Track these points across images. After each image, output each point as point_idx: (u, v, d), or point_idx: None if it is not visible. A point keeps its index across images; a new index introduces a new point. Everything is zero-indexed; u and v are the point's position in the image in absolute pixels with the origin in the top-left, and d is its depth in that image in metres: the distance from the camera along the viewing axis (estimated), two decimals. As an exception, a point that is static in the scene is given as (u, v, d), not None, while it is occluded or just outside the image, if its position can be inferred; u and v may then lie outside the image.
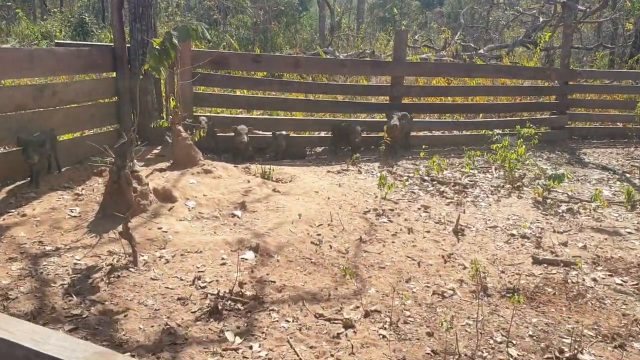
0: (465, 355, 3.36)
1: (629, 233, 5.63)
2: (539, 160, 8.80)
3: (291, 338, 3.45)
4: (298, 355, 3.27)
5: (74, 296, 3.74)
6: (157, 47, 4.15)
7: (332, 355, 3.29)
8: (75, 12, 20.25)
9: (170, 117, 6.75)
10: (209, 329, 3.50)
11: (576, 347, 3.45)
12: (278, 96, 9.62)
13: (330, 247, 4.86)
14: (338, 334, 3.54)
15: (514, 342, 3.53)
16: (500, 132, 9.15)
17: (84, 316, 3.51)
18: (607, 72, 13.26)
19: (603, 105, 11.99)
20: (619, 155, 9.81)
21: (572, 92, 10.90)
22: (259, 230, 5.00)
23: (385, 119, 8.46)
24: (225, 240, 4.69)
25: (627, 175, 8.18)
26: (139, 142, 7.34)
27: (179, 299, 3.82)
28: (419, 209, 6.09)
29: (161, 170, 6.30)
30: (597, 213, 6.23)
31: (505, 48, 17.01)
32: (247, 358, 3.23)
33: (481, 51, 16.24)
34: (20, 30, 18.76)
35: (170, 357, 3.18)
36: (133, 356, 3.15)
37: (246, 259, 4.46)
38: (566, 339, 3.59)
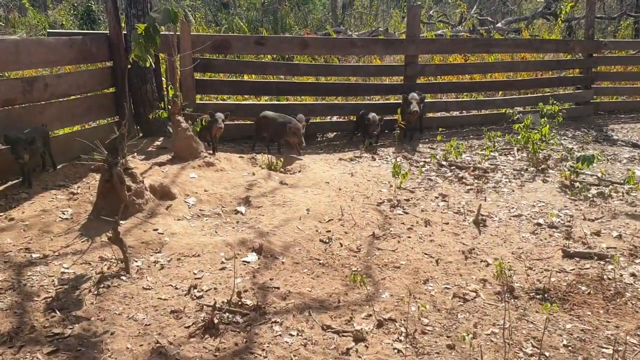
0: (492, 371, 2.97)
1: (668, 218, 5.15)
2: (564, 139, 8.29)
3: (295, 356, 3.09)
4: (302, 377, 2.91)
5: (57, 312, 3.41)
6: (141, 33, 3.75)
7: (340, 376, 2.92)
8: (83, 0, 19.90)
9: (170, 106, 6.38)
10: (204, 347, 3.14)
11: (618, 358, 3.04)
12: (285, 80, 9.19)
13: (341, 245, 4.47)
14: (348, 349, 3.16)
15: (547, 354, 3.12)
16: (522, 110, 8.64)
17: (65, 336, 3.17)
18: (634, 42, 12.54)
19: (630, 78, 11.34)
20: (650, 130, 9.24)
21: (596, 64, 10.29)
22: (264, 228, 4.63)
23: (399, 101, 7.99)
24: (225, 242, 4.33)
25: (661, 152, 7.64)
26: (140, 134, 7.05)
27: (172, 311, 3.47)
28: (436, 197, 5.66)
29: (161, 164, 5.95)
30: (631, 197, 5.74)
31: (524, 21, 16.30)
32: (245, 381, 2.88)
33: (499, 25, 15.58)
34: (27, 20, 18.46)
35: (158, 382, 2.84)
36: (117, 383, 2.81)
37: (248, 262, 4.10)
38: (606, 348, 3.17)
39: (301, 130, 6.81)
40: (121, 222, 4.30)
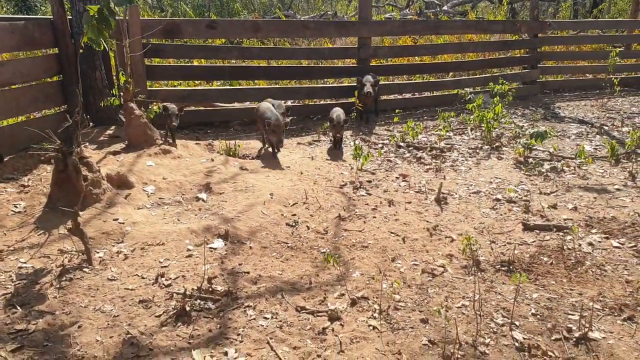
0: (466, 343, 3.02)
1: (618, 190, 5.37)
2: (514, 117, 8.50)
3: (271, 338, 3.06)
4: (280, 359, 2.88)
5: (19, 307, 3.25)
6: (94, 15, 3.58)
7: (318, 356, 2.91)
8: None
9: (121, 93, 6.17)
10: (177, 335, 3.07)
11: (584, 323, 3.15)
12: (238, 64, 9.04)
13: (308, 228, 4.45)
14: (324, 328, 3.15)
15: (517, 323, 3.20)
16: (472, 90, 8.81)
17: (30, 331, 3.04)
18: (577, 23, 12.97)
19: (574, 57, 11.73)
20: (594, 107, 9.59)
21: (542, 44, 10.58)
22: (228, 214, 4.55)
23: (354, 84, 8.00)
24: (190, 229, 4.24)
25: (606, 127, 7.94)
26: (90, 124, 6.79)
27: (141, 301, 3.37)
28: (397, 178, 5.71)
29: (115, 153, 5.75)
30: (582, 170, 5.96)
31: (469, 3, 16.59)
32: (223, 367, 2.83)
33: (445, 8, 15.81)
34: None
35: (133, 373, 2.76)
36: (89, 376, 2.71)
37: (215, 249, 4.02)
38: (572, 315, 3.28)
39: (282, 127, 6.02)
40: (80, 212, 4.13)
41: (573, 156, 6.33)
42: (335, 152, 6.64)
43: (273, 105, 6.54)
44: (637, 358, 2.89)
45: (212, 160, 5.83)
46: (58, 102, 6.58)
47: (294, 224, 4.48)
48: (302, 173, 5.66)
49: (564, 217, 4.73)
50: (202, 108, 7.77)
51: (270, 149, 6.39)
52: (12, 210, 4.47)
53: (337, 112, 6.64)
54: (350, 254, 4.07)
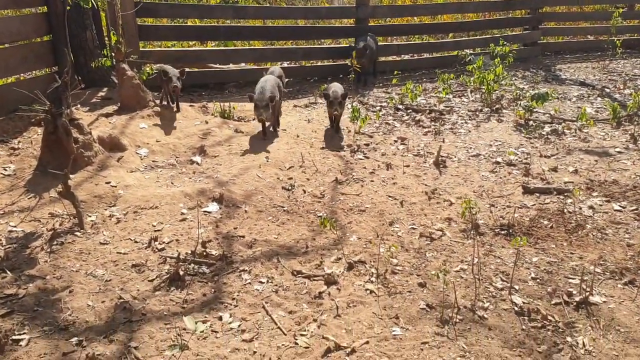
0: (465, 307, 2.97)
1: (619, 152, 5.28)
2: (515, 79, 8.34)
3: (267, 303, 3.00)
4: (276, 324, 2.83)
5: (8, 272, 3.18)
6: (80, -32, 3.41)
7: (315, 320, 2.86)
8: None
9: (113, 54, 6.00)
10: (170, 299, 3.01)
11: (585, 287, 3.10)
12: (233, 24, 8.81)
13: (304, 191, 4.36)
14: (320, 293, 3.10)
15: (517, 287, 3.15)
16: (472, 52, 8.63)
17: (20, 296, 2.98)
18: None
19: (575, 18, 11.47)
20: (595, 69, 9.43)
21: (543, 5, 10.33)
22: (222, 177, 4.46)
23: (352, 45, 7.81)
24: (184, 192, 4.15)
25: (607, 90, 7.80)
26: (82, 85, 6.63)
27: (133, 265, 3.30)
28: (395, 141, 5.61)
29: (107, 115, 5.62)
30: (583, 133, 5.86)
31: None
32: (217, 332, 2.77)
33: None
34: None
35: (125, 338, 2.70)
36: (81, 341, 2.65)
37: (209, 212, 3.94)
38: (572, 278, 3.23)
39: (268, 104, 5.19)
40: (71, 175, 4.04)
41: (574, 119, 6.22)
42: (332, 136, 5.70)
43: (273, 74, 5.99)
44: (639, 322, 2.85)
45: (207, 122, 5.71)
46: (48, 62, 6.40)
47: (290, 188, 4.39)
48: (298, 136, 5.55)
49: (564, 180, 4.65)
50: (196, 69, 7.58)
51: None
52: (1, 173, 4.37)
53: (334, 88, 5.70)
54: (347, 217, 3.99)
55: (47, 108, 4.26)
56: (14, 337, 2.66)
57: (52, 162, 4.30)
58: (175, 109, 5.89)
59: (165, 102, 6.05)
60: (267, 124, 5.47)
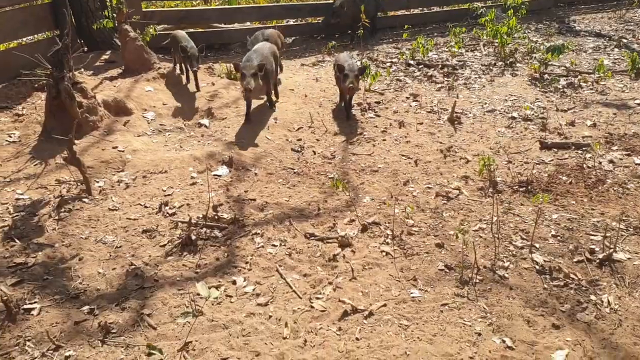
0: (484, 267, 2.89)
1: (639, 105, 5.10)
2: (528, 32, 8.06)
3: (280, 266, 2.94)
4: (291, 287, 2.77)
5: (17, 240, 3.13)
6: None
7: (330, 283, 2.79)
8: None
9: (115, 15, 5.83)
10: (183, 265, 2.95)
11: (608, 244, 3.00)
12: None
13: (314, 152, 4.26)
14: (334, 255, 3.02)
15: (537, 245, 3.06)
16: (484, 4, 8.34)
17: (29, 265, 2.93)
18: None
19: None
20: (611, 19, 9.09)
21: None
22: (231, 140, 4.35)
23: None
24: (193, 156, 4.06)
25: (624, 40, 7.53)
26: (84, 48, 6.48)
27: (144, 231, 3.24)
28: (407, 98, 5.45)
29: (112, 78, 5.49)
30: (601, 85, 5.66)
31: None
32: (231, 296, 2.72)
33: None
34: None
35: (138, 305, 2.65)
36: (92, 309, 2.61)
37: (219, 176, 3.86)
38: (594, 235, 3.13)
39: (257, 73, 4.48)
40: (76, 141, 3.95)
41: (590, 71, 6.01)
42: (345, 122, 4.85)
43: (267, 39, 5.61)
44: (664, 279, 2.76)
45: (213, 84, 5.57)
46: (49, 25, 6.23)
47: (299, 149, 4.29)
48: (306, 96, 5.40)
49: (583, 134, 4.51)
50: (200, 30, 7.39)
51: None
52: (6, 140, 4.28)
53: (348, 60, 4.77)
54: (360, 178, 3.89)
55: (49, 72, 4.15)
56: (25, 307, 2.62)
57: (57, 128, 4.20)
58: (196, 90, 5.39)
59: (180, 73, 5.70)
60: (264, 98, 5.04)
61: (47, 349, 2.38)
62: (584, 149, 4.23)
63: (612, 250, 2.94)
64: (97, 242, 3.13)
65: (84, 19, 6.41)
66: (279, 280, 2.84)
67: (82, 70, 5.77)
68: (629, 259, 2.91)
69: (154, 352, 1.81)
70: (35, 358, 2.34)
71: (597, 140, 4.33)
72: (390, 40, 7.77)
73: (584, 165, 3.97)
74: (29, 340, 2.43)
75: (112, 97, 4.81)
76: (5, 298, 2.55)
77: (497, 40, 6.65)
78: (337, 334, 2.45)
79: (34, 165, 3.98)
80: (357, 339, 2.42)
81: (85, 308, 2.62)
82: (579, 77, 5.92)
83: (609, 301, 2.61)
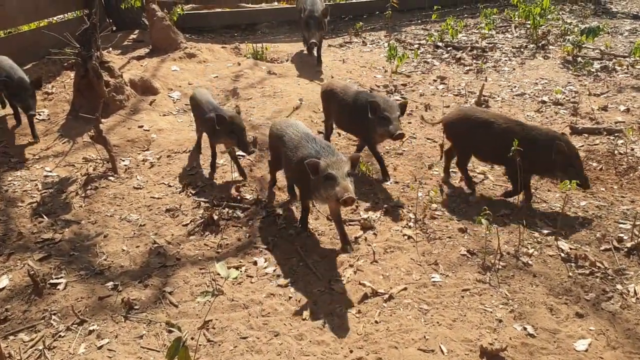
0: (508, 253, 2.85)
1: (676, 90, 4.93)
2: (562, 13, 7.85)
3: (301, 248, 2.94)
4: (311, 269, 2.77)
5: (45, 217, 3.20)
6: None
7: (351, 266, 2.79)
8: None
9: (142, -6, 5.85)
10: (205, 244, 2.98)
11: (637, 233, 2.93)
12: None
13: (339, 134, 4.23)
14: (356, 238, 3.01)
15: (563, 232, 3.00)
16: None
17: (56, 241, 2.99)
18: None
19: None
20: (651, 1, 8.79)
21: None
22: (256, 121, 4.35)
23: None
24: (217, 136, 4.06)
25: (663, 23, 7.28)
26: (113, 28, 6.52)
27: (167, 210, 3.27)
28: (434, 80, 5.36)
29: (139, 58, 5.53)
30: (636, 69, 5.48)
31: None
32: (252, 277, 2.74)
33: None
34: None
35: (160, 283, 2.69)
36: (116, 285, 2.65)
37: (243, 156, 3.86)
38: (623, 223, 3.06)
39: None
40: (103, 120, 4.00)
41: (626, 54, 5.82)
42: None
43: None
44: (695, 270, 2.68)
45: (239, 64, 5.56)
46: (78, 5, 6.29)
47: (325, 131, 4.26)
48: (332, 77, 5.36)
49: (615, 119, 4.38)
50: (227, 9, 7.37)
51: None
52: (36, 118, 4.34)
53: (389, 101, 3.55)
54: (384, 161, 3.85)
55: (77, 51, 4.20)
56: (51, 281, 2.68)
57: (85, 106, 4.26)
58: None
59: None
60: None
61: (72, 323, 2.44)
62: (616, 134, 4.12)
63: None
64: (122, 220, 3.17)
65: (113, -2, 6.44)
66: (300, 262, 2.84)
67: (110, 49, 5.82)
68: (658, 248, 2.84)
69: (172, 329, 1.83)
70: (60, 331, 2.39)
71: (630, 126, 4.20)
72: (419, 21, 7.65)
73: (616, 152, 3.86)
74: (54, 314, 2.49)
75: (139, 76, 4.84)
76: (32, 272, 2.61)
77: (529, 22, 6.49)
78: (357, 317, 2.45)
79: (62, 143, 4.04)
80: (376, 322, 2.41)
81: (110, 284, 2.67)
82: (614, 60, 5.74)
83: (635, 291, 2.55)
